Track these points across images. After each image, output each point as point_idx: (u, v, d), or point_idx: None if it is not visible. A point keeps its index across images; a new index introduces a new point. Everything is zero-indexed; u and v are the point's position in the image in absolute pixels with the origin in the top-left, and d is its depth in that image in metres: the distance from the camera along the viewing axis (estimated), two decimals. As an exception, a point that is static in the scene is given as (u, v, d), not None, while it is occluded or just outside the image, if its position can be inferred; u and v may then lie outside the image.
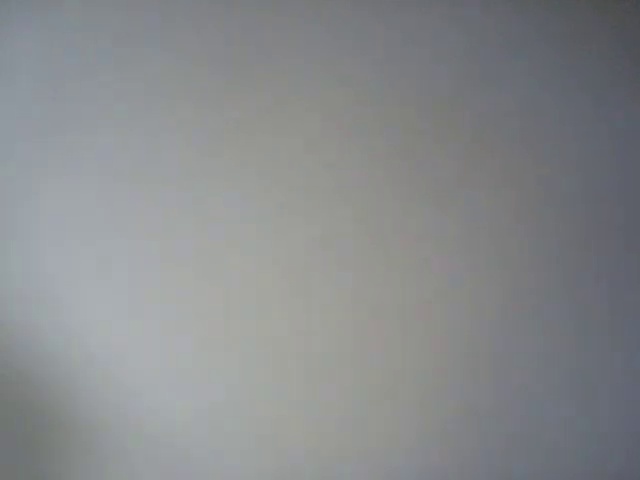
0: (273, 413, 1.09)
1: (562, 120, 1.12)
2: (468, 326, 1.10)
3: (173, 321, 1.09)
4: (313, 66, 1.12)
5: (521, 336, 1.10)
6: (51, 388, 1.08)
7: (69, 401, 1.08)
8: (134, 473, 1.08)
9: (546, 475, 1.08)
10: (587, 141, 1.12)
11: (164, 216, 1.10)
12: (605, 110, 1.12)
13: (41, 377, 1.08)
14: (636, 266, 1.11)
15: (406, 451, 1.09)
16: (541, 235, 1.11)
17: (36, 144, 1.11)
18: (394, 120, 1.12)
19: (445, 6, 1.13)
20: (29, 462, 1.07)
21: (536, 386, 1.09)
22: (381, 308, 1.10)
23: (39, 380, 1.08)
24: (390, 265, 1.10)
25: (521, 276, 1.10)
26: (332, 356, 1.09)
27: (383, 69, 1.12)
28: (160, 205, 1.10)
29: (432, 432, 1.09)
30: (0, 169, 1.11)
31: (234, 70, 1.12)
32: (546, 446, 1.09)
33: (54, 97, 1.11)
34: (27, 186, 1.11)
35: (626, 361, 1.09)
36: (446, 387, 1.09)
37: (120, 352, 1.09)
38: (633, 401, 1.09)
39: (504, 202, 1.11)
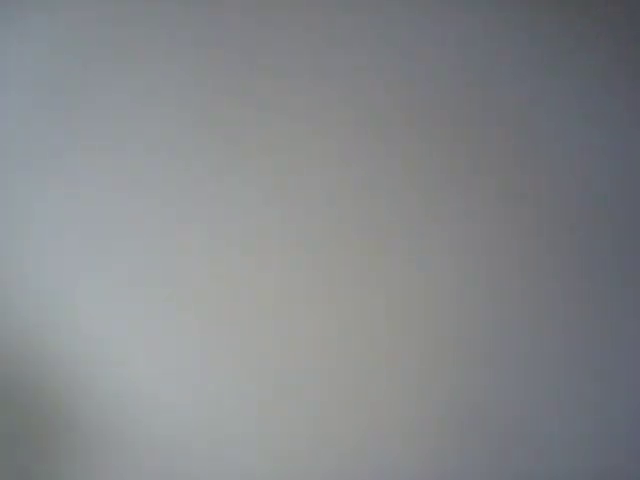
0: (273, 412, 1.09)
1: (563, 120, 1.12)
2: (467, 327, 1.10)
3: (174, 319, 1.09)
4: (313, 69, 1.12)
5: (520, 336, 1.10)
6: (51, 386, 1.08)
7: (68, 399, 1.08)
8: (134, 472, 1.08)
9: (545, 475, 1.09)
10: (587, 141, 1.12)
11: (166, 218, 1.10)
12: (606, 110, 1.12)
13: (39, 375, 1.08)
14: (635, 266, 1.11)
15: (405, 451, 1.09)
16: (539, 235, 1.11)
17: (36, 147, 1.11)
18: (394, 122, 1.12)
19: (445, 6, 1.13)
20: (31, 462, 1.07)
21: (535, 386, 1.09)
22: (382, 313, 1.10)
23: (37, 378, 1.08)
24: (390, 266, 1.10)
25: (522, 276, 1.11)
26: (333, 361, 1.09)
27: (383, 71, 1.12)
28: (161, 207, 1.10)
29: (431, 433, 1.09)
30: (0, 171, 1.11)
31: (235, 73, 1.12)
32: (545, 446, 1.09)
33: (54, 99, 1.11)
34: (28, 188, 1.11)
35: (625, 360, 1.10)
36: (446, 389, 1.09)
37: (120, 350, 1.09)
38: (631, 399, 1.09)
39: (502, 203, 1.11)
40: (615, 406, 1.09)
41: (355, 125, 1.12)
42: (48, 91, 1.11)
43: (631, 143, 1.12)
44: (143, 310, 1.09)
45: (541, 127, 1.12)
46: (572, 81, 1.12)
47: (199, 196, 1.10)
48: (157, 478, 1.08)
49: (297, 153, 1.11)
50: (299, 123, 1.12)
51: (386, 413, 1.09)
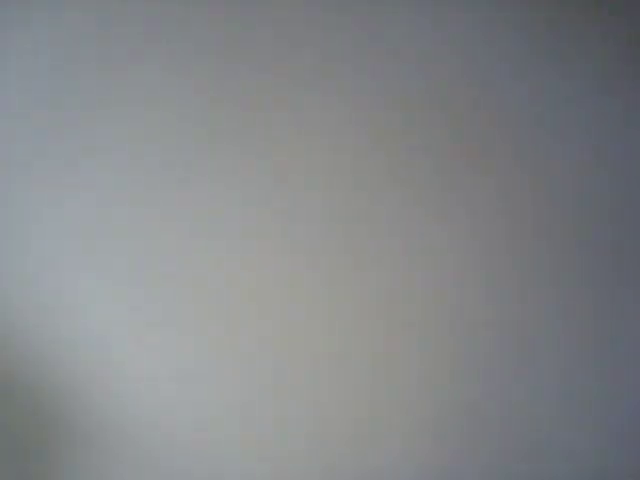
0: (274, 417, 1.09)
1: (563, 120, 1.12)
2: (467, 327, 1.10)
3: (174, 319, 1.09)
4: (313, 69, 1.12)
5: (520, 336, 1.10)
6: (49, 390, 1.08)
7: (68, 399, 1.08)
8: (133, 471, 1.08)
9: (545, 475, 1.09)
10: (588, 142, 1.12)
11: (166, 218, 1.10)
12: (606, 110, 1.12)
13: (38, 379, 1.08)
14: (635, 266, 1.11)
15: (405, 451, 1.09)
16: (539, 235, 1.11)
17: (36, 147, 1.11)
18: (394, 122, 1.12)
19: (445, 6, 1.13)
20: (31, 462, 1.07)
21: (535, 386, 1.10)
22: (383, 313, 1.10)
23: (35, 382, 1.08)
24: (391, 266, 1.10)
25: (522, 276, 1.11)
26: (333, 361, 1.09)
27: (383, 71, 1.12)
28: (162, 207, 1.10)
29: (430, 433, 1.09)
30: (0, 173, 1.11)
31: (234, 70, 1.12)
32: (545, 446, 1.09)
33: (54, 99, 1.11)
34: (28, 188, 1.11)
35: (625, 360, 1.10)
36: (445, 388, 1.09)
37: (120, 350, 1.09)
38: (631, 399, 1.09)
39: (502, 203, 1.11)
40: (615, 406, 1.09)
41: (355, 125, 1.12)
42: (48, 91, 1.11)
43: (631, 143, 1.12)
44: (143, 310, 1.09)
45: (541, 127, 1.12)
46: (572, 81, 1.12)
47: (199, 196, 1.10)
48: (157, 478, 1.08)
49: (297, 153, 1.11)
50: (299, 123, 1.12)
51: (386, 413, 1.09)
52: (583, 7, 1.12)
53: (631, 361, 1.09)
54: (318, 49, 1.12)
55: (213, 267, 1.10)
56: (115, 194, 1.10)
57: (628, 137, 1.12)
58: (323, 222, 1.10)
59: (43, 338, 1.09)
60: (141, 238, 1.10)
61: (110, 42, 1.12)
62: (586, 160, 1.12)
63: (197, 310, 1.09)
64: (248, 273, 1.10)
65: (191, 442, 1.08)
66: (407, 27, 1.12)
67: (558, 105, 1.12)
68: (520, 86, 1.12)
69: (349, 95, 1.12)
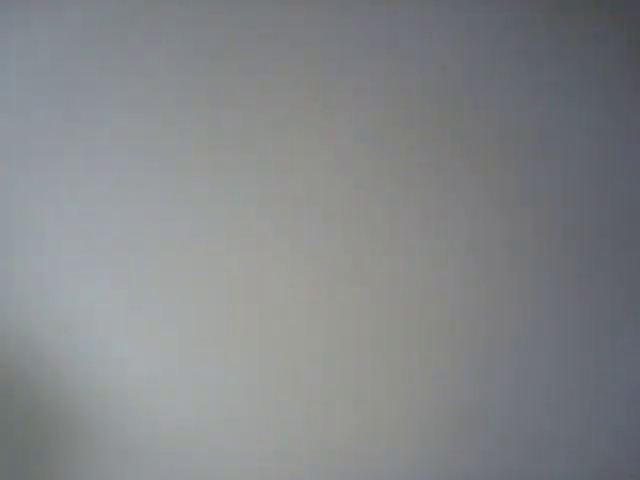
0: (275, 417, 1.09)
1: (561, 122, 1.12)
2: (467, 327, 1.10)
3: (174, 319, 1.09)
4: (313, 69, 1.12)
5: (520, 336, 1.10)
6: (49, 390, 1.08)
7: (69, 399, 1.08)
8: (134, 471, 1.08)
9: (545, 475, 1.09)
10: (588, 142, 1.12)
11: (166, 218, 1.10)
12: (606, 112, 1.12)
13: (38, 379, 1.08)
14: (631, 266, 1.11)
15: (405, 451, 1.09)
16: (540, 235, 1.11)
17: (36, 146, 1.11)
18: (394, 122, 1.12)
19: (445, 6, 1.13)
20: (31, 462, 1.07)
21: (534, 386, 1.09)
22: (383, 312, 1.10)
23: (36, 382, 1.08)
24: (389, 267, 1.10)
25: (522, 276, 1.11)
26: (333, 355, 1.09)
27: (382, 71, 1.12)
28: (161, 207, 1.10)
29: (431, 433, 1.09)
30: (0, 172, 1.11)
31: (234, 70, 1.12)
32: (545, 446, 1.09)
33: (55, 99, 1.11)
34: (28, 188, 1.11)
35: (625, 360, 1.10)
36: (445, 388, 1.09)
37: (120, 350, 1.09)
38: (631, 399, 1.09)
39: (502, 203, 1.11)
40: (615, 406, 1.09)
41: (355, 125, 1.12)
42: (48, 91, 1.11)
43: (631, 143, 1.12)
44: (143, 310, 1.09)
45: (541, 127, 1.12)
46: (572, 81, 1.12)
47: (199, 196, 1.10)
48: (157, 478, 1.08)
49: (297, 153, 1.11)
50: (299, 123, 1.12)
51: (386, 413, 1.09)
52: (583, 7, 1.12)
53: (631, 361, 1.09)
54: (318, 49, 1.12)
55: (213, 267, 1.10)
56: (115, 194, 1.10)
57: (628, 137, 1.12)
58: (323, 222, 1.10)
59: (43, 338, 1.09)
60: (141, 238, 1.10)
61: (110, 42, 1.12)
62: (586, 160, 1.12)
63: (197, 310, 1.09)
64: (248, 273, 1.10)
65: (191, 442, 1.08)
66: (407, 27, 1.12)
67: (558, 105, 1.12)
68: (520, 86, 1.12)
69: (349, 95, 1.12)
